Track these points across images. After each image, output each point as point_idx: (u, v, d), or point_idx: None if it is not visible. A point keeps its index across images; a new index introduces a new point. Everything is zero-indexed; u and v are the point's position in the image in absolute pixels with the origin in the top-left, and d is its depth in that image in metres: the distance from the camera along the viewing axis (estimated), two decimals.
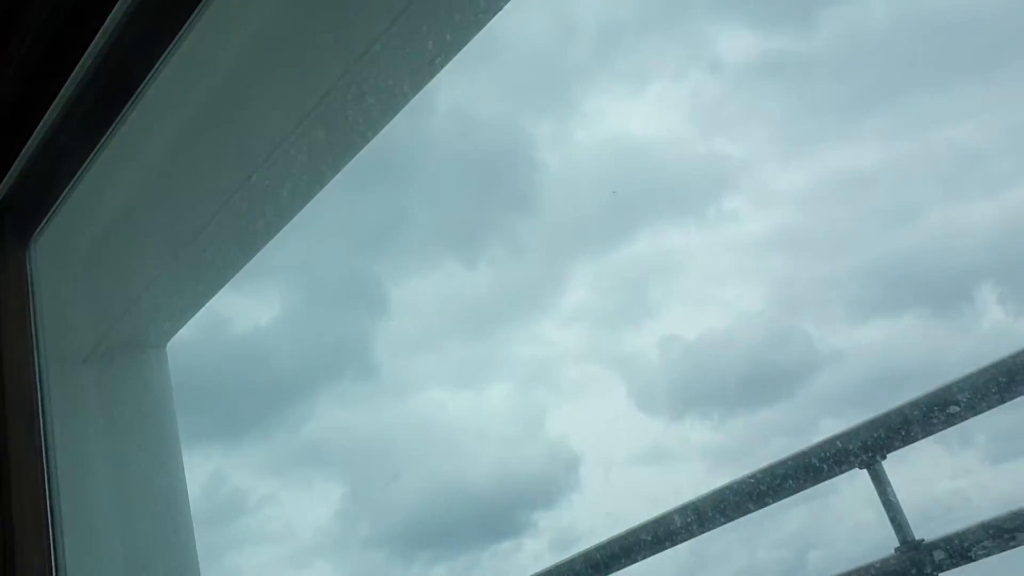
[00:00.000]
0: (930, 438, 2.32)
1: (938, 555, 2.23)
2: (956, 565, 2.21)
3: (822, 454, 2.46)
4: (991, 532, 2.17)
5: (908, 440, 2.34)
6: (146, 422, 4.52)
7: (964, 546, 2.20)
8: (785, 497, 2.54)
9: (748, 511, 2.60)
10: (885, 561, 2.32)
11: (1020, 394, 2.17)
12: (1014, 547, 2.14)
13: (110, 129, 1.44)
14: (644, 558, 2.79)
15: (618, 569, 2.88)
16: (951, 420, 2.26)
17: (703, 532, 2.70)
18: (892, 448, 2.37)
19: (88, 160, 1.39)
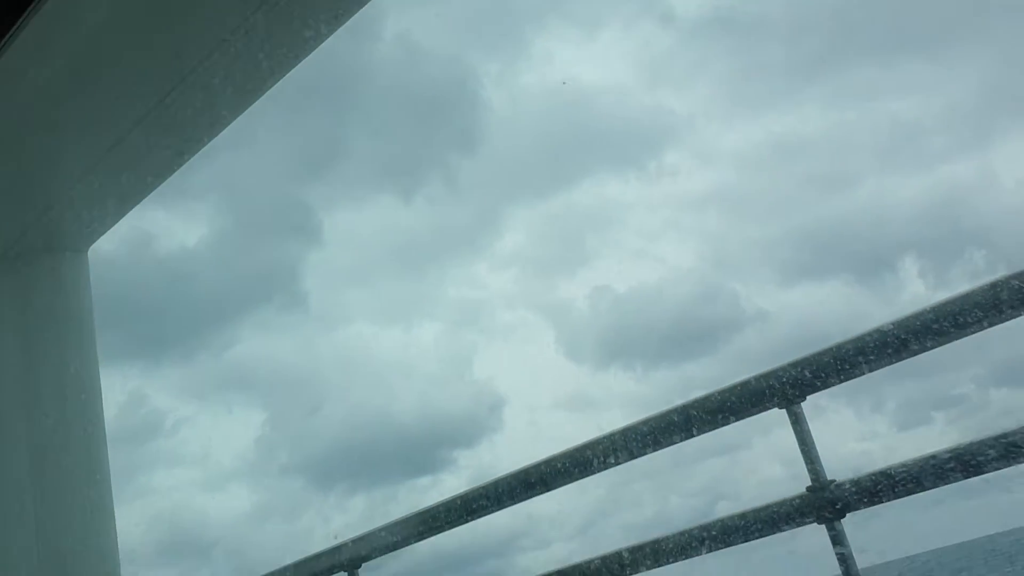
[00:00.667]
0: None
1: (848, 495, 2.28)
2: (865, 506, 2.26)
3: (742, 392, 2.47)
4: (900, 477, 2.22)
5: (827, 384, 2.37)
6: (62, 326, 4.33)
7: (875, 488, 2.25)
8: (704, 432, 2.56)
9: (663, 445, 2.62)
10: (795, 498, 2.36)
11: (947, 340, 2.20)
12: (919, 491, 2.20)
13: (21, 19, 1.33)
14: (561, 485, 2.81)
15: (533, 496, 2.89)
16: (874, 364, 2.29)
17: (618, 464, 2.71)
18: (814, 389, 2.40)
19: None
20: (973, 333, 2.14)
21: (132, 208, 4.90)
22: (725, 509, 2.54)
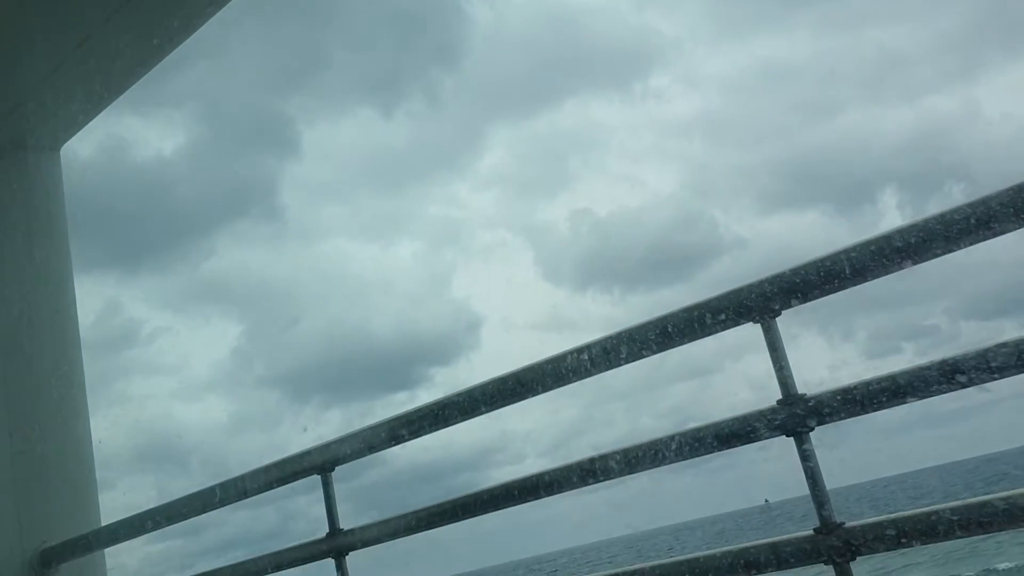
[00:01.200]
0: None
1: (819, 408, 2.31)
2: (836, 419, 2.29)
3: (717, 305, 2.48)
4: (872, 391, 2.24)
5: (805, 298, 2.38)
6: (34, 224, 4.27)
7: (846, 401, 2.27)
8: (680, 344, 2.57)
9: (638, 357, 2.64)
10: (766, 410, 2.39)
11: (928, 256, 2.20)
12: (895, 405, 2.23)
13: None
14: (536, 394, 2.83)
15: (509, 404, 2.92)
16: (851, 281, 2.29)
17: (593, 373, 2.73)
18: (788, 305, 2.40)
19: None
20: (952, 251, 2.14)
21: (104, 108, 4.79)
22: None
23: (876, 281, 2.27)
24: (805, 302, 2.36)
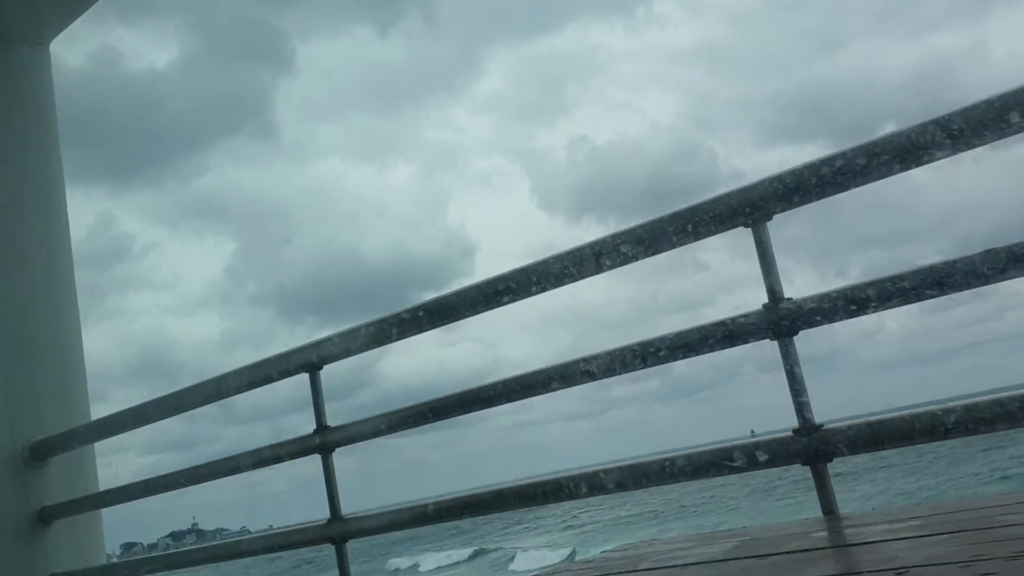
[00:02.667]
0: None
1: (802, 312, 2.33)
2: (820, 322, 2.31)
3: (709, 208, 2.48)
4: (854, 297, 2.26)
5: (794, 203, 2.38)
6: (23, 118, 4.20)
7: (829, 306, 2.29)
8: (672, 248, 2.58)
9: (631, 259, 2.65)
10: (751, 313, 2.41)
11: (917, 164, 2.20)
12: (878, 311, 2.25)
13: None
14: (528, 296, 2.85)
15: (499, 306, 2.94)
16: (843, 185, 2.29)
17: (584, 277, 2.75)
18: (778, 210, 2.41)
19: None
20: (943, 158, 2.14)
21: (93, 3, 4.69)
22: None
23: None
24: (796, 206, 2.37)
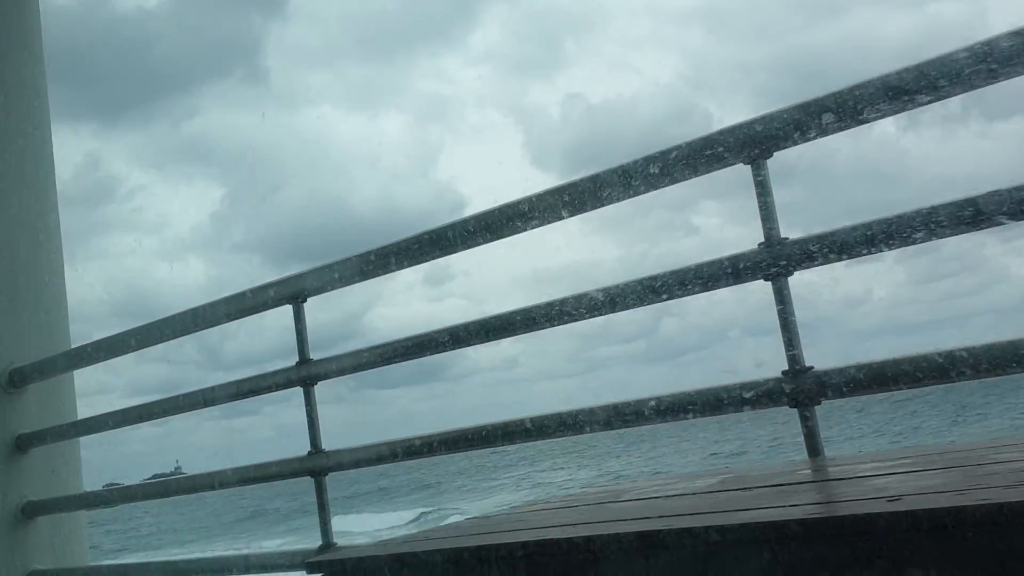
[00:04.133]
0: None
1: (797, 253, 2.29)
2: (815, 264, 2.27)
3: (707, 145, 2.42)
4: (847, 239, 2.21)
5: (793, 141, 2.33)
6: (8, 53, 4.08)
7: (823, 247, 2.25)
8: (668, 185, 2.52)
9: (625, 196, 2.59)
10: (746, 253, 2.37)
11: (913, 105, 2.14)
12: (873, 252, 2.20)
13: None
14: (516, 232, 2.80)
15: (484, 243, 2.89)
16: (842, 123, 2.24)
17: (579, 213, 2.70)
18: (778, 147, 2.35)
19: None
20: (942, 99, 2.09)
21: None
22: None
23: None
24: (798, 143, 2.31)
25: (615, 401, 2.60)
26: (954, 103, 2.18)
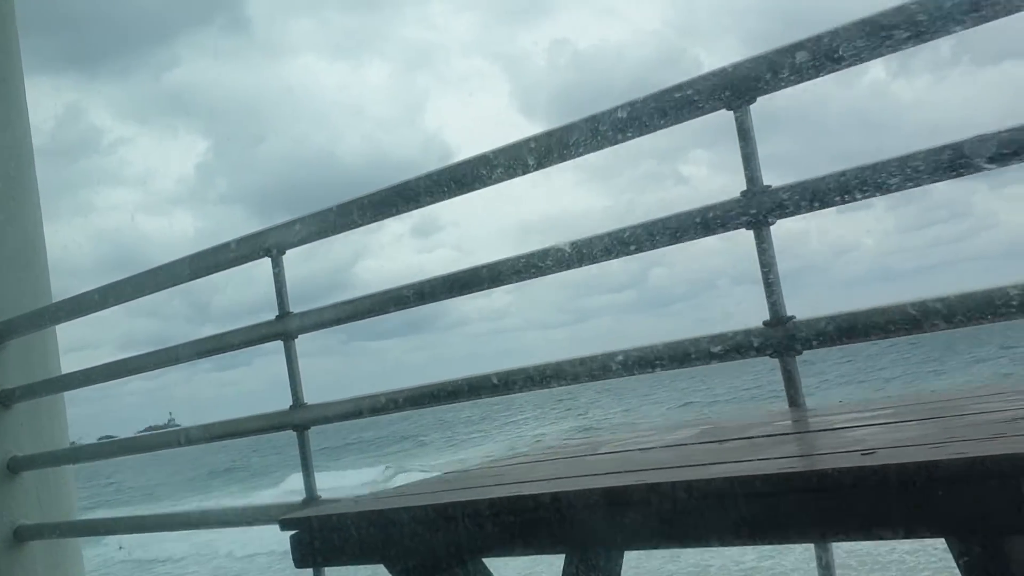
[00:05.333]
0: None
1: (781, 200, 2.24)
2: (798, 212, 2.23)
3: (688, 89, 2.37)
4: (833, 186, 2.17)
5: (778, 86, 2.27)
6: None
7: (809, 194, 2.21)
8: (649, 131, 2.47)
9: (607, 144, 2.54)
10: (729, 202, 2.32)
11: (896, 49, 2.09)
12: (852, 200, 2.16)
13: None
14: (497, 182, 2.74)
15: (466, 192, 2.84)
16: (828, 67, 2.18)
17: (548, 165, 2.65)
18: (761, 92, 2.30)
19: None
20: (936, 38, 2.03)
21: None
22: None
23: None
24: (783, 87, 2.25)
25: (594, 352, 2.57)
26: (944, 46, 2.12)
